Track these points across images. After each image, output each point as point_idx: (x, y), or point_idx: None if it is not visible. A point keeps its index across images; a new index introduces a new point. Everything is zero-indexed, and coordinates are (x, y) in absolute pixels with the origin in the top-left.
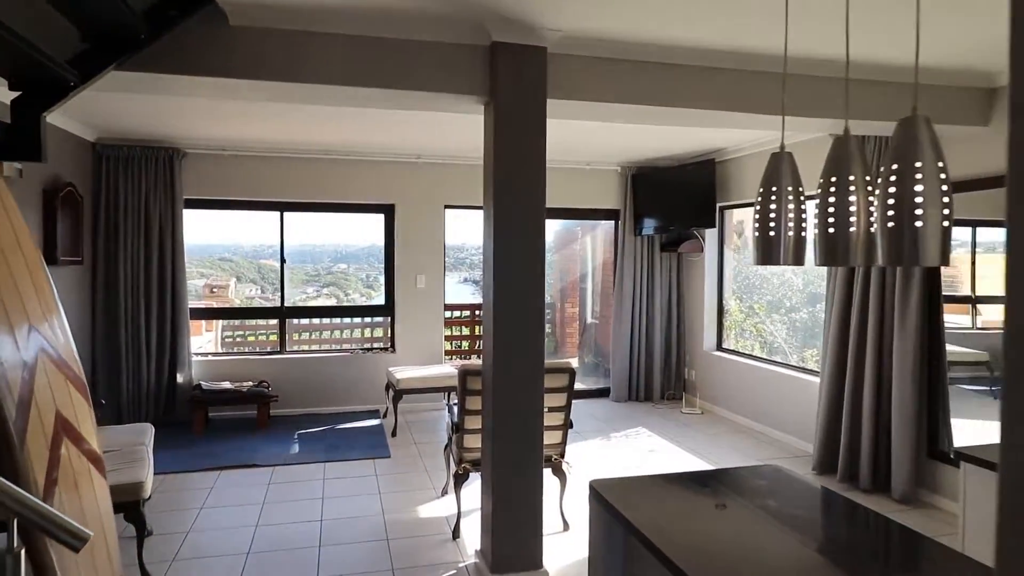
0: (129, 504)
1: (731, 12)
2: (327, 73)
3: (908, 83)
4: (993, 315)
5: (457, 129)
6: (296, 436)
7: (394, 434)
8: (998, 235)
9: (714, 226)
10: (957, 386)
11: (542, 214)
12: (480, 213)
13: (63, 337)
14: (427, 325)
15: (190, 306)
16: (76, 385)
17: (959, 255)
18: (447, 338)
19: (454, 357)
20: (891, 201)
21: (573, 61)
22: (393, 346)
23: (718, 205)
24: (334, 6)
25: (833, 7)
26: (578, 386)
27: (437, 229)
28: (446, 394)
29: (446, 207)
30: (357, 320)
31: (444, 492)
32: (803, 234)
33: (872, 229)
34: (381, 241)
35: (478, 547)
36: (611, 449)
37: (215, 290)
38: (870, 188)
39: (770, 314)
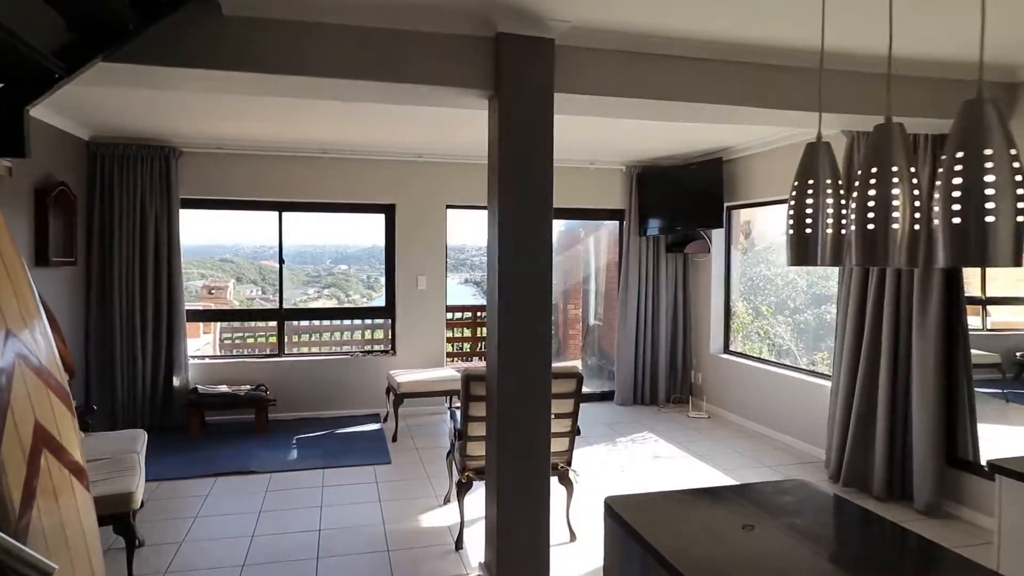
0: (118, 516)
1: (753, 4)
2: (324, 66)
3: (928, 78)
4: (1004, 316)
5: (459, 126)
6: (295, 441)
7: (395, 439)
8: None
9: (721, 226)
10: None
11: (549, 213)
12: (483, 213)
13: (45, 344)
14: (428, 327)
15: (187, 308)
16: (59, 394)
17: None
18: (448, 339)
19: (455, 359)
20: (956, 194)
21: (582, 54)
22: (394, 348)
23: (725, 205)
24: None
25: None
26: (582, 389)
27: (438, 229)
28: (448, 398)
29: (448, 207)
30: (357, 322)
31: (446, 500)
32: (842, 232)
33: (916, 227)
34: (382, 242)
35: (482, 559)
36: (618, 455)
37: (213, 291)
38: (914, 181)
39: (775, 315)
